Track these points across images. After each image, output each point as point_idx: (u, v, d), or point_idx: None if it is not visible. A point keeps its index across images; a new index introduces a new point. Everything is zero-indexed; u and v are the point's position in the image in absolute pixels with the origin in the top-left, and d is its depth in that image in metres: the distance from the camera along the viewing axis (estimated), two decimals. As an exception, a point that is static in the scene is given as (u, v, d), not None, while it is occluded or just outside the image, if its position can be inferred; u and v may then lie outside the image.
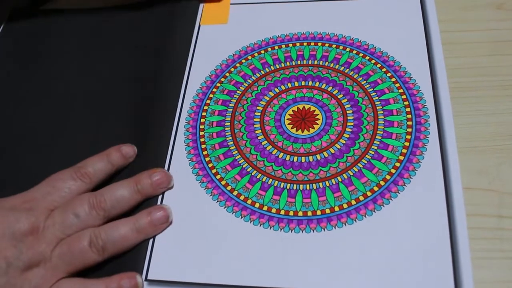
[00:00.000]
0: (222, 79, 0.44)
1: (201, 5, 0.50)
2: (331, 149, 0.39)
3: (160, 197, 0.38)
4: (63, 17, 0.53)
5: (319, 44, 0.45)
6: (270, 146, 0.40)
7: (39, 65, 0.49)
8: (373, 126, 0.39)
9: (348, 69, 0.43)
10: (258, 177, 0.38)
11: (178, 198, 0.38)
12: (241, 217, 0.36)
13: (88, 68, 0.48)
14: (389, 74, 0.42)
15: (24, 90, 0.47)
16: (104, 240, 0.34)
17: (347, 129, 0.39)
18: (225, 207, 0.37)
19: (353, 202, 0.36)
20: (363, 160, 0.38)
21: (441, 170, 0.36)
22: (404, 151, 0.37)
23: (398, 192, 0.36)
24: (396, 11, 0.45)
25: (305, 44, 0.45)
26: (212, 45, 0.47)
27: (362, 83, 0.42)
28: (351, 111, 0.40)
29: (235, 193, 0.38)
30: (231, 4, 0.50)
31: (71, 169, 0.38)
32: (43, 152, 0.43)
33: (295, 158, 0.39)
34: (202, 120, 0.42)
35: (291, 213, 0.36)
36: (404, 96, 0.40)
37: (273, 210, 0.36)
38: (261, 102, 0.42)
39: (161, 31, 0.49)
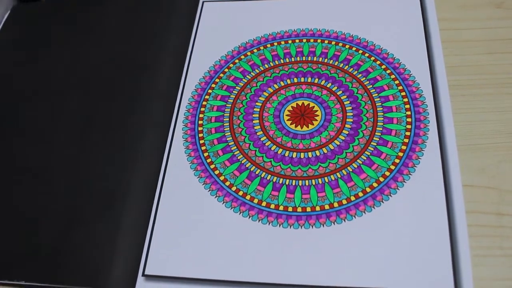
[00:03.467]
0: (221, 75, 0.44)
1: (200, 1, 0.50)
2: (330, 145, 0.38)
3: (157, 191, 0.38)
4: (63, 9, 0.53)
5: (319, 40, 0.45)
6: (269, 142, 0.39)
7: (41, 57, 0.49)
8: (372, 122, 0.39)
9: (347, 66, 0.43)
10: (257, 172, 0.38)
11: (176, 193, 0.38)
12: (240, 213, 0.36)
13: (87, 61, 0.48)
14: (388, 71, 0.42)
15: (25, 82, 0.47)
16: None
17: (346, 126, 0.39)
18: (223, 203, 0.37)
19: (353, 198, 0.35)
20: (362, 156, 0.37)
21: (441, 167, 0.36)
22: (404, 147, 0.37)
23: (398, 189, 0.35)
24: (396, 8, 0.45)
25: (304, 40, 0.45)
26: (211, 41, 0.47)
27: (362, 79, 0.42)
28: (351, 108, 0.40)
29: (234, 188, 0.37)
30: (231, 0, 0.50)
31: None
32: (42, 143, 0.43)
33: (294, 154, 0.38)
34: (201, 115, 0.42)
35: (290, 209, 0.36)
36: (403, 93, 0.40)
37: (272, 206, 0.36)
38: (260, 98, 0.42)
39: (160, 27, 0.48)
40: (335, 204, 0.35)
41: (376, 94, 0.40)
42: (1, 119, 0.45)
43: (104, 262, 0.35)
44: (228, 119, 0.41)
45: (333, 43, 0.44)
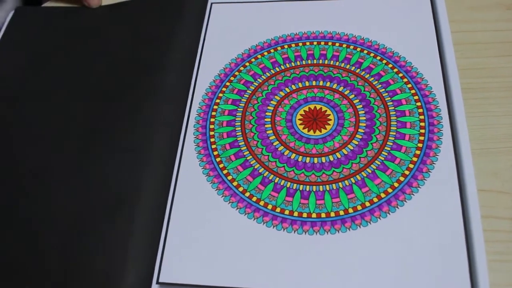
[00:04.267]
0: (232, 78, 0.44)
1: (208, 3, 0.50)
2: (343, 150, 0.38)
3: (170, 196, 0.38)
4: (67, 12, 0.52)
5: (330, 43, 0.44)
6: (282, 147, 0.39)
7: (45, 60, 0.49)
8: (385, 127, 0.39)
9: (359, 69, 0.42)
10: (270, 178, 0.38)
11: (189, 198, 0.38)
12: (254, 219, 0.36)
13: (94, 63, 0.47)
14: (400, 75, 0.41)
15: (29, 85, 0.47)
16: None
17: (359, 130, 0.39)
18: (237, 209, 0.37)
19: (367, 204, 0.35)
20: (376, 161, 0.37)
21: (455, 172, 0.36)
22: (418, 152, 0.37)
23: (412, 194, 0.35)
24: (407, 11, 0.45)
25: (315, 43, 0.45)
26: (220, 44, 0.46)
27: (374, 83, 0.41)
28: (363, 112, 0.40)
29: (247, 194, 0.37)
30: (242, 2, 0.49)
31: None
32: (47, 145, 0.42)
33: (308, 159, 0.38)
34: (212, 119, 0.42)
35: (304, 215, 0.36)
36: (416, 97, 0.40)
37: (286, 212, 0.36)
38: (271, 102, 0.42)
39: (169, 30, 0.48)
40: (350, 210, 0.35)
41: (389, 98, 0.40)
42: (8, 120, 0.45)
43: (116, 269, 0.35)
44: (239, 123, 0.41)
45: (344, 45, 0.44)
